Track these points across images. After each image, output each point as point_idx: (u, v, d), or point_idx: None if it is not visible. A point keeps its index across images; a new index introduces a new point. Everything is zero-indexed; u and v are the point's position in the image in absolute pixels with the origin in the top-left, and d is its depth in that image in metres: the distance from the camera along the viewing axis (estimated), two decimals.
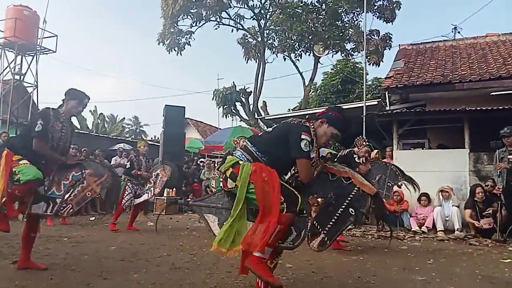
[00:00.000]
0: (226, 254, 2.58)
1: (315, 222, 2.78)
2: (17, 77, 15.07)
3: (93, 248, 4.93)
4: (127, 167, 7.06)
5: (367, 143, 5.54)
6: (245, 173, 2.59)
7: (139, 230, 6.75)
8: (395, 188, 6.32)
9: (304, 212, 2.65)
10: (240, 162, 2.66)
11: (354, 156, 5.25)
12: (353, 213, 2.75)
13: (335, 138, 2.82)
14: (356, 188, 2.81)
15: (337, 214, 2.76)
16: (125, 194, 6.85)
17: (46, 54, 15.79)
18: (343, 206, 2.78)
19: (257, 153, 2.68)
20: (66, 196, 3.59)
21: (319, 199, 2.95)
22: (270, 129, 2.93)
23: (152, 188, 7.11)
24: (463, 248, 5.81)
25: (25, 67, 15.28)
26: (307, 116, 2.87)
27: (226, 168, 2.70)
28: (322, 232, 2.75)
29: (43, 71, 45.41)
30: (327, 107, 3.16)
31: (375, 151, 6.08)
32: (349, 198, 2.79)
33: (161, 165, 7.47)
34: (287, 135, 2.68)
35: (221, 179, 2.80)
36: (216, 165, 12.20)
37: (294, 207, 2.55)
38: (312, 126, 2.78)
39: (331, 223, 2.76)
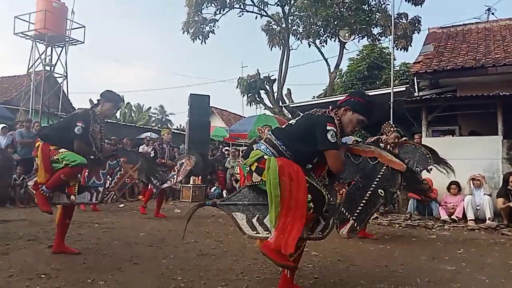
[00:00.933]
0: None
1: (343, 208, 2.70)
2: (47, 68, 15.54)
3: (123, 234, 5.07)
4: (151, 155, 7.11)
5: (396, 129, 5.40)
6: (272, 168, 2.51)
7: (167, 217, 6.89)
8: (424, 174, 6.06)
9: (332, 199, 2.59)
10: (265, 156, 2.61)
11: (381, 144, 5.17)
12: (383, 194, 2.64)
13: (361, 124, 2.69)
14: (384, 167, 2.67)
15: (366, 197, 2.66)
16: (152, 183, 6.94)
17: (75, 45, 16.18)
18: (371, 188, 2.67)
19: (282, 146, 2.62)
20: (107, 184, 3.77)
21: (346, 185, 2.86)
22: (293, 121, 2.81)
23: (175, 176, 7.22)
24: (495, 238, 5.64)
25: (55, 58, 15.74)
26: (330, 106, 2.75)
27: (251, 163, 2.66)
28: (351, 218, 2.67)
29: (72, 61, 46.61)
30: (348, 93, 3.05)
31: (404, 138, 5.87)
32: (377, 179, 2.67)
33: (187, 155, 7.58)
34: (312, 128, 2.59)
35: (246, 173, 2.78)
36: (241, 153, 12.28)
37: (321, 208, 2.51)
38: (337, 115, 2.68)
39: (359, 207, 2.67)
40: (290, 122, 2.85)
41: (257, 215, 2.65)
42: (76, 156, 3.63)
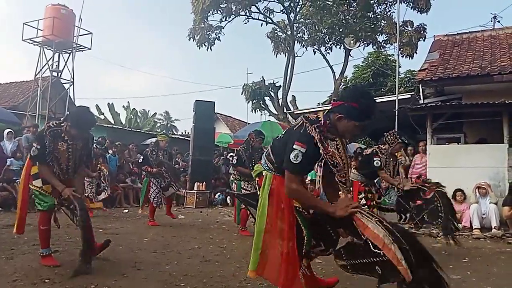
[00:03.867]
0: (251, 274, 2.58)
1: (342, 249, 2.49)
2: (54, 74, 15.69)
3: (127, 239, 5.08)
4: (139, 161, 6.86)
5: (400, 139, 5.30)
6: (266, 188, 2.52)
7: (171, 223, 6.88)
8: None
9: (333, 234, 2.54)
10: (264, 172, 2.61)
11: (375, 159, 4.93)
12: (380, 273, 2.24)
13: (359, 129, 2.42)
14: (386, 259, 2.15)
15: (365, 260, 2.31)
16: (151, 191, 6.66)
17: (82, 51, 16.33)
18: (369, 260, 2.27)
19: (275, 161, 2.56)
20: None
21: (349, 235, 2.53)
22: (282, 133, 2.69)
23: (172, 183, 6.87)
24: (501, 247, 5.59)
25: (62, 64, 15.89)
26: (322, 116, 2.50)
27: (255, 176, 2.75)
28: (345, 260, 2.45)
29: (79, 67, 47.01)
30: (342, 92, 2.87)
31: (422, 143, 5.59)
32: (379, 259, 2.21)
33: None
34: (286, 144, 2.43)
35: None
36: None
37: (331, 245, 2.54)
38: (328, 121, 2.42)
39: (357, 261, 2.39)
40: (280, 135, 2.71)
41: None
42: (42, 198, 3.57)
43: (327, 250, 2.61)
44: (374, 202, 5.03)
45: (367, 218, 2.24)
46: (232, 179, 6.43)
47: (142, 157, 6.84)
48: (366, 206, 4.85)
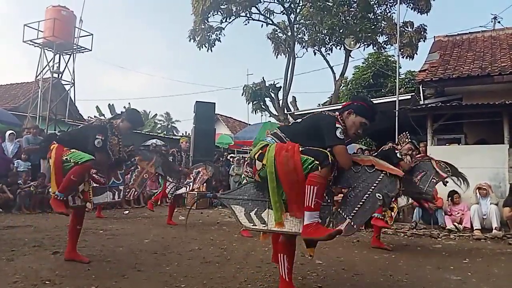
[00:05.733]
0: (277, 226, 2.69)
1: (340, 209, 2.73)
2: (55, 75, 15.70)
3: (127, 241, 5.09)
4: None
5: (410, 140, 5.38)
6: (271, 150, 2.65)
7: (171, 225, 6.88)
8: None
9: (328, 199, 2.70)
10: (269, 144, 2.72)
11: (396, 152, 5.12)
12: (381, 198, 2.67)
13: (363, 127, 2.83)
14: (382, 174, 2.71)
15: (363, 200, 2.69)
16: (167, 186, 7.05)
17: (83, 52, 16.35)
18: (368, 192, 2.70)
19: (286, 139, 2.73)
20: (126, 181, 3.83)
21: (343, 190, 2.85)
22: (300, 120, 2.94)
23: (191, 183, 7.29)
24: (502, 248, 5.58)
25: (62, 65, 15.90)
26: (335, 110, 2.88)
27: (255, 152, 2.77)
28: (347, 217, 2.69)
29: (80, 69, 47.13)
30: (352, 97, 3.13)
31: (420, 152, 5.85)
32: (375, 184, 2.70)
33: (203, 164, 7.64)
34: (319, 125, 2.71)
35: (251, 167, 2.87)
36: (245, 160, 12.29)
37: (327, 160, 2.56)
38: (341, 118, 2.80)
39: (356, 208, 2.70)
40: (297, 120, 2.97)
41: (256, 209, 2.81)
42: (83, 154, 3.63)
43: (325, 222, 2.71)
44: None
45: (357, 155, 2.96)
46: (244, 176, 6.71)
47: (171, 158, 7.15)
48: None
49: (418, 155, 5.64)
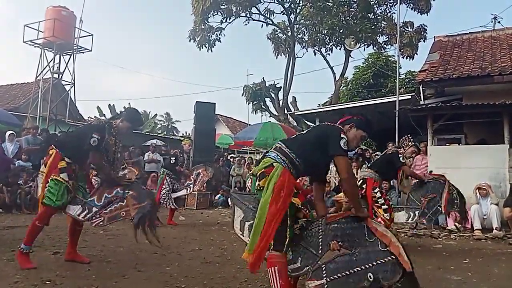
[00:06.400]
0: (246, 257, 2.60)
1: (323, 265, 2.52)
2: (55, 75, 15.72)
3: (127, 241, 5.07)
4: (171, 162, 7.21)
5: (413, 144, 5.38)
6: (275, 176, 2.56)
7: (172, 225, 6.88)
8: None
9: (320, 250, 2.57)
10: (275, 164, 2.63)
11: (399, 156, 5.11)
12: (371, 279, 2.37)
13: (363, 140, 2.96)
14: (390, 258, 2.39)
15: (351, 271, 2.43)
16: (162, 188, 7.00)
17: (83, 53, 16.36)
18: (362, 267, 2.42)
19: (292, 154, 2.66)
20: (102, 209, 3.67)
21: (341, 249, 2.56)
22: (305, 131, 2.98)
23: (191, 185, 7.29)
24: (502, 248, 5.58)
25: (63, 66, 15.92)
26: (338, 122, 2.91)
27: (260, 169, 2.70)
28: (325, 278, 2.48)
29: (80, 69, 47.16)
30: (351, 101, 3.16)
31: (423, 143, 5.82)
32: (374, 263, 2.41)
33: (203, 166, 7.65)
34: (324, 136, 2.72)
35: (248, 184, 2.89)
36: (246, 160, 12.29)
37: (281, 246, 2.55)
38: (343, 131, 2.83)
39: (340, 275, 2.45)
40: (301, 132, 3.00)
41: (251, 221, 2.75)
42: (57, 196, 3.57)
43: (302, 268, 2.61)
44: (388, 196, 5.11)
45: (377, 224, 2.63)
46: (249, 174, 6.74)
47: (174, 158, 7.20)
48: (381, 199, 4.94)
49: (435, 176, 5.59)
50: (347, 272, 2.44)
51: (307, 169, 2.68)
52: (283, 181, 2.55)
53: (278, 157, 2.67)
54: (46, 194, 3.59)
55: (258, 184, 2.66)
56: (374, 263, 2.41)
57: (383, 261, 2.40)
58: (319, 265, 2.52)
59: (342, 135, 2.68)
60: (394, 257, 2.39)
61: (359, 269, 2.43)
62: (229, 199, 10.52)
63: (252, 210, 2.79)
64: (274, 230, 2.50)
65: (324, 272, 2.49)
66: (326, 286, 2.47)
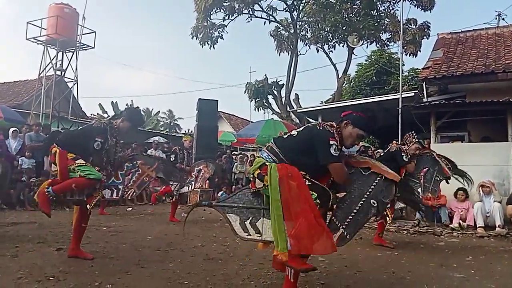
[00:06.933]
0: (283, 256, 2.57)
1: (333, 217, 2.66)
2: (58, 72, 15.75)
3: (130, 237, 5.10)
4: (171, 159, 7.19)
5: (417, 140, 5.35)
6: (273, 173, 2.58)
7: (174, 222, 6.90)
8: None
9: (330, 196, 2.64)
10: (267, 163, 2.67)
11: (403, 154, 5.08)
12: (375, 205, 2.60)
13: (360, 138, 2.82)
14: (378, 178, 2.65)
15: (357, 208, 2.62)
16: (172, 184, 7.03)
17: (85, 50, 16.39)
18: (363, 198, 2.63)
19: (282, 155, 2.69)
20: (126, 182, 3.88)
21: (338, 194, 2.75)
22: (295, 132, 2.86)
23: (193, 182, 7.29)
24: (505, 246, 5.57)
25: (65, 63, 15.96)
26: (334, 122, 2.82)
27: (254, 170, 2.73)
28: (341, 227, 2.62)
29: (83, 66, 47.22)
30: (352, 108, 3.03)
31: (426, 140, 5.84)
32: (370, 189, 2.63)
33: (204, 162, 7.63)
34: (313, 141, 2.67)
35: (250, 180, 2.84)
36: (248, 158, 12.29)
37: (328, 203, 2.55)
38: (338, 128, 2.76)
39: (350, 217, 2.63)
40: (292, 132, 2.89)
41: (250, 218, 2.72)
42: (94, 170, 3.63)
43: (326, 206, 2.69)
44: None
45: (352, 157, 2.91)
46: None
47: (173, 156, 7.20)
48: None
49: (422, 150, 5.60)
50: (354, 211, 2.61)
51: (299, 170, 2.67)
52: (284, 167, 2.60)
53: (269, 157, 2.71)
54: (82, 171, 3.58)
55: (263, 184, 2.64)
56: (369, 189, 2.62)
57: (375, 184, 2.63)
58: (329, 219, 2.67)
59: (331, 142, 2.61)
60: (379, 176, 2.63)
61: (361, 202, 2.62)
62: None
63: (244, 208, 2.74)
64: (310, 204, 2.48)
65: (337, 223, 2.65)
66: (345, 233, 2.60)
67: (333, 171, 2.62)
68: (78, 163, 3.63)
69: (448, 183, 5.78)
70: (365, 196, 2.63)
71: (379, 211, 2.64)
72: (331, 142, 2.60)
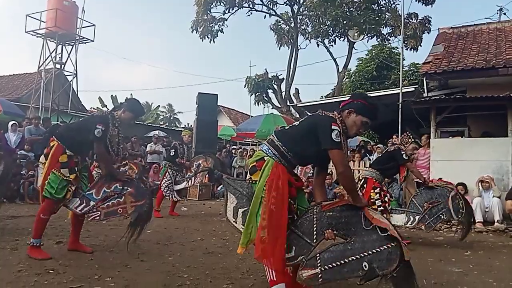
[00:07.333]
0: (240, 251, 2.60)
1: (317, 255, 2.48)
2: (58, 66, 15.69)
3: None
4: (171, 154, 7.16)
5: (413, 140, 5.35)
6: (266, 170, 2.56)
7: (174, 215, 6.91)
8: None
9: (315, 239, 2.52)
10: (266, 158, 2.63)
11: (402, 153, 5.08)
12: (366, 269, 2.34)
13: (365, 126, 2.70)
14: (388, 246, 2.35)
15: (347, 260, 2.40)
16: (164, 181, 6.95)
17: (85, 43, 16.31)
18: (357, 256, 2.39)
19: (283, 147, 2.62)
20: (100, 203, 3.67)
21: (336, 238, 2.52)
22: (297, 123, 2.81)
23: (192, 177, 7.21)
24: (503, 241, 5.59)
25: (65, 56, 15.90)
26: (334, 111, 2.73)
27: (252, 162, 2.72)
28: (320, 267, 2.43)
29: (82, 60, 47.05)
30: (350, 95, 2.94)
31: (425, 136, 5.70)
32: (370, 252, 2.38)
33: (203, 156, 7.57)
34: (315, 128, 2.58)
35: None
36: (248, 152, 12.30)
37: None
38: (340, 118, 2.66)
39: (334, 264, 2.42)
40: (294, 123, 2.85)
41: (245, 208, 2.69)
42: (57, 189, 3.56)
43: (296, 258, 2.53)
44: (386, 198, 5.05)
45: (373, 212, 2.57)
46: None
47: (173, 150, 7.13)
48: (379, 200, 4.92)
49: (443, 183, 5.48)
50: (342, 262, 2.41)
51: (300, 162, 2.64)
52: (276, 174, 2.53)
53: (270, 150, 2.65)
54: (46, 187, 3.58)
55: (250, 178, 2.66)
56: (370, 252, 2.37)
57: (379, 249, 2.36)
58: (313, 254, 2.48)
59: (334, 126, 2.51)
60: (390, 245, 2.34)
61: (354, 258, 2.39)
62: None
63: (245, 197, 2.71)
64: (284, 228, 2.44)
65: (318, 261, 2.46)
66: (320, 275, 2.42)
67: (333, 158, 2.52)
68: (57, 173, 3.57)
69: (448, 224, 5.64)
70: (361, 255, 2.39)
71: (365, 277, 2.34)
72: (333, 127, 2.50)
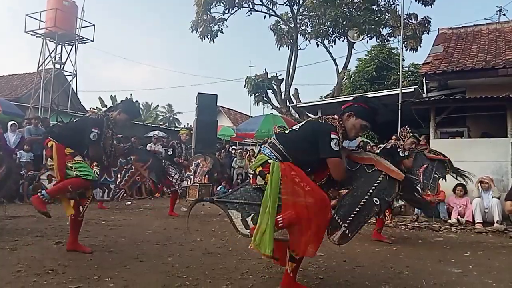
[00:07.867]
0: (266, 257, 2.57)
1: (335, 215, 2.63)
2: (57, 66, 15.69)
3: (129, 231, 5.10)
4: (169, 153, 7.13)
5: (412, 134, 5.36)
6: (275, 172, 2.57)
7: (173, 216, 6.90)
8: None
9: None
10: (270, 161, 2.65)
11: (399, 150, 5.10)
12: (378, 203, 2.57)
13: (364, 129, 2.77)
14: (381, 176, 2.62)
15: (360, 205, 2.59)
16: (173, 174, 6.92)
17: (85, 43, 16.31)
18: (366, 196, 2.60)
19: (285, 151, 2.66)
20: (118, 181, 3.79)
21: (341, 191, 2.76)
22: (297, 127, 2.84)
23: (191, 176, 7.24)
24: (503, 241, 5.58)
25: (64, 56, 15.89)
26: (335, 114, 2.78)
27: (256, 166, 2.72)
28: (343, 225, 2.59)
29: (82, 60, 47.01)
30: (352, 98, 2.98)
31: (423, 136, 5.87)
32: (373, 187, 2.60)
33: (202, 155, 7.58)
34: (315, 135, 2.64)
35: (250, 176, 2.81)
36: (247, 152, 12.30)
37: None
38: (340, 121, 2.72)
39: (352, 215, 2.59)
40: (294, 127, 2.87)
41: (252, 214, 2.70)
42: (90, 170, 3.61)
43: None
44: None
45: (357, 153, 2.89)
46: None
47: (171, 149, 7.11)
48: None
49: (420, 146, 5.65)
50: (357, 209, 2.59)
51: (301, 167, 2.64)
52: (287, 168, 2.57)
53: (272, 154, 2.68)
54: (79, 170, 3.57)
55: (265, 182, 2.63)
56: (373, 187, 2.60)
57: (378, 181, 2.60)
58: (331, 217, 2.62)
59: (333, 135, 2.58)
60: (384, 173, 2.60)
61: (364, 200, 2.60)
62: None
63: (246, 204, 2.72)
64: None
65: (338, 220, 2.61)
66: (347, 231, 2.58)
67: (331, 166, 2.59)
68: (76, 161, 3.61)
69: (445, 180, 5.82)
70: (368, 194, 2.59)
71: (381, 209, 2.62)
72: (332, 136, 2.57)
